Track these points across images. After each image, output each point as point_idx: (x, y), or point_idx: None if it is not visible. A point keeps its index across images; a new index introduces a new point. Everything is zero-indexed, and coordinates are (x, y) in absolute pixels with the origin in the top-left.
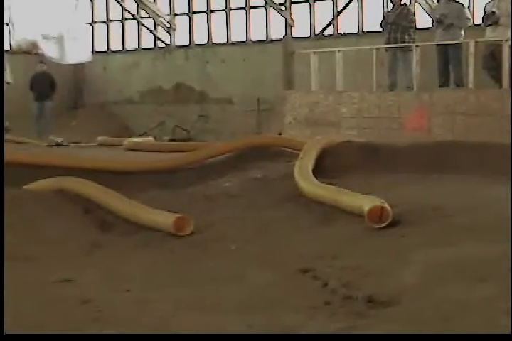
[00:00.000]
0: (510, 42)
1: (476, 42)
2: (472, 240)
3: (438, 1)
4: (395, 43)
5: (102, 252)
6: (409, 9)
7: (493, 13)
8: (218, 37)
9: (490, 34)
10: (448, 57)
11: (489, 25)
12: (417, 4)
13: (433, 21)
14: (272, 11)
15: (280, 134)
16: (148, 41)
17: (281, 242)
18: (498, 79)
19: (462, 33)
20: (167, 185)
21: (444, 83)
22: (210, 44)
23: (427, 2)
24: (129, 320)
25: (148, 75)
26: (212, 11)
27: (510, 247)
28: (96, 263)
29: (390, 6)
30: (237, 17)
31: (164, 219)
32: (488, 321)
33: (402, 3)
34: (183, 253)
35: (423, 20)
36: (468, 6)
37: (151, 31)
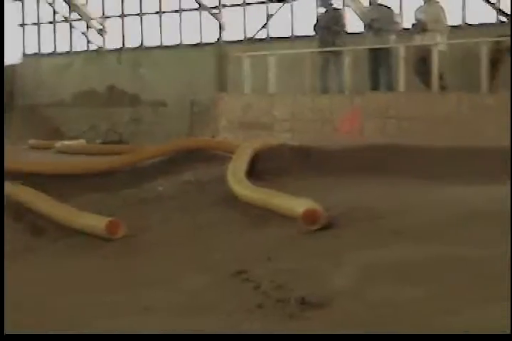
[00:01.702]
0: (438, 47)
1: (406, 46)
2: (403, 242)
3: (369, 5)
4: (327, 47)
5: (34, 257)
6: (340, 13)
7: (420, 20)
8: (151, 40)
9: (419, 39)
10: (378, 61)
11: (418, 32)
12: (348, 8)
13: (364, 25)
14: (204, 14)
15: (213, 137)
16: (80, 44)
17: (215, 245)
18: (428, 83)
19: (393, 37)
20: (101, 188)
21: (375, 87)
22: (142, 47)
23: (358, 6)
24: (63, 324)
25: (81, 78)
26: (144, 14)
27: (511, 248)
28: (29, 267)
29: (322, 10)
30: (170, 20)
31: (96, 222)
32: (418, 321)
33: (334, 7)
34: (116, 257)
35: (354, 24)
36: (400, 11)
37: (83, 33)
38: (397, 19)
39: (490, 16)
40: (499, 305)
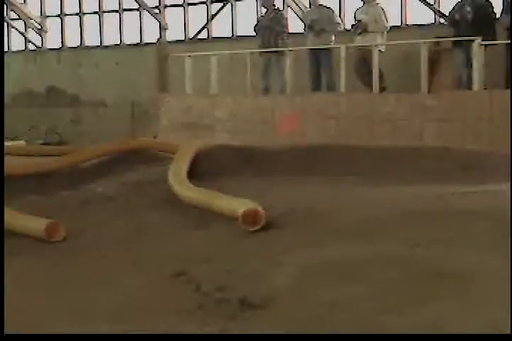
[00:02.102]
0: (379, 48)
1: (347, 47)
2: (342, 241)
3: (310, 6)
4: (269, 48)
5: None
6: (282, 14)
7: (360, 21)
8: (91, 40)
9: (360, 40)
10: (319, 62)
11: (360, 33)
12: (289, 9)
13: (305, 26)
14: (145, 14)
15: (155, 138)
16: (18, 43)
17: (156, 246)
18: (368, 83)
19: (333, 38)
20: (40, 189)
21: (316, 87)
22: (82, 47)
23: (299, 7)
24: None
25: (19, 78)
26: (84, 14)
27: (511, 249)
28: None
29: (264, 10)
30: (111, 20)
31: (35, 225)
32: (357, 320)
33: (275, 7)
34: (55, 259)
35: (295, 24)
36: (340, 12)
37: (21, 33)
38: (338, 20)
39: (429, 17)
40: (438, 303)
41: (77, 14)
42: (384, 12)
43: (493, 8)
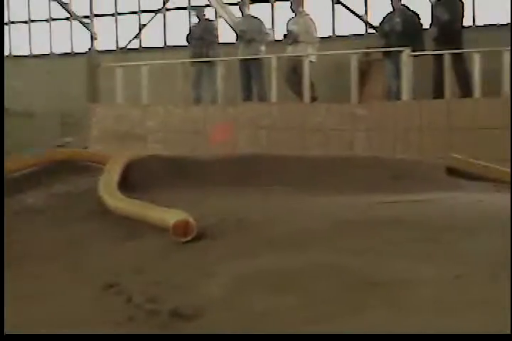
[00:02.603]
0: (310, 58)
1: (278, 57)
2: (274, 251)
3: (241, 17)
4: (200, 57)
5: None
6: (213, 24)
7: (291, 31)
8: (20, 49)
9: (291, 50)
10: (250, 72)
11: (291, 43)
12: (221, 19)
13: (236, 36)
14: (75, 23)
15: (85, 148)
16: None
17: (87, 258)
18: (300, 94)
19: (263, 48)
20: None
21: (247, 97)
22: (11, 56)
23: (230, 17)
24: None
25: None
26: (13, 23)
27: (511, 250)
28: None
29: (195, 20)
30: (40, 29)
31: None
32: (289, 329)
33: (207, 17)
34: None
35: (227, 35)
36: (271, 23)
37: None
38: (267, 30)
39: (359, 28)
40: (369, 312)
41: (5, 23)
42: (314, 23)
43: (420, 19)
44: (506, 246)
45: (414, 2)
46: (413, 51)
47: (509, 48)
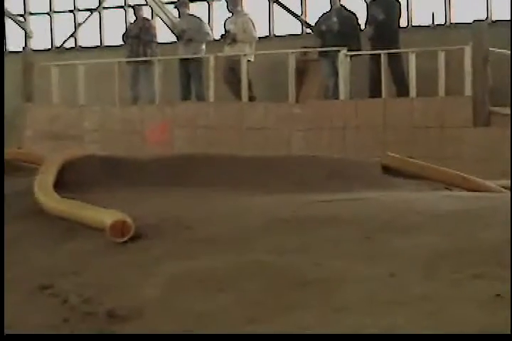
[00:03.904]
0: (248, 58)
1: (216, 56)
2: (211, 252)
3: (179, 16)
4: (137, 57)
5: None
6: (150, 23)
7: (229, 31)
8: None
9: (228, 50)
10: (189, 71)
11: (229, 43)
12: (158, 18)
13: (175, 36)
14: (9, 21)
15: (19, 148)
16: None
17: (20, 259)
18: (238, 93)
19: (203, 47)
20: None
21: (186, 97)
22: None
23: (168, 17)
24: None
25: None
26: None
27: (511, 249)
28: None
29: (132, 19)
30: None
31: None
32: (228, 329)
33: (144, 17)
34: None
35: (165, 34)
36: (209, 22)
37: None
38: (207, 29)
39: (296, 28)
40: (303, 310)
41: None
42: (252, 22)
43: (357, 19)
44: (439, 244)
45: (350, 2)
46: (349, 51)
47: (444, 48)
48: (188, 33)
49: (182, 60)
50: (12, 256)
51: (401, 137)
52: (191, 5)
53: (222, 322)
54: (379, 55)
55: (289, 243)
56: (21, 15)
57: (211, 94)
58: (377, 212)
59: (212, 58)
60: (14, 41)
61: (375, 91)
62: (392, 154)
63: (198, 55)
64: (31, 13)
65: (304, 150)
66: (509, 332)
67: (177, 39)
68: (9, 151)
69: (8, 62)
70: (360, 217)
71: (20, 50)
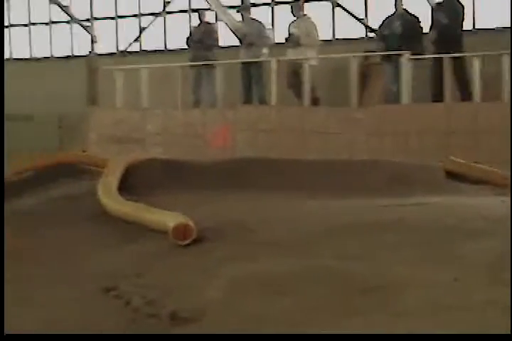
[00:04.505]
0: (311, 61)
1: (278, 60)
2: (273, 255)
3: (242, 20)
4: (200, 61)
5: None
6: (213, 27)
7: (292, 34)
8: (20, 52)
9: (292, 53)
10: (250, 75)
11: (292, 46)
12: (221, 22)
13: (237, 40)
14: (76, 26)
15: (84, 152)
16: None
17: (85, 261)
18: (300, 97)
19: (264, 51)
20: None
21: (247, 100)
22: (11, 59)
23: (230, 20)
24: None
25: None
26: (13, 26)
27: (511, 250)
28: None
29: (196, 23)
30: (40, 32)
31: None
32: (285, 331)
33: (207, 21)
34: None
35: (228, 38)
36: (272, 26)
37: None
38: (268, 33)
39: (358, 32)
40: (365, 315)
41: (6, 26)
42: (315, 26)
43: (420, 23)
44: (504, 249)
45: (414, 6)
46: (412, 55)
47: (508, 52)
48: (249, 37)
49: (244, 63)
50: (77, 258)
51: (465, 142)
52: (254, 9)
53: (281, 325)
54: (442, 59)
55: (351, 248)
56: (87, 20)
57: (273, 97)
58: (441, 217)
59: (274, 62)
60: (79, 45)
61: (437, 96)
62: (456, 159)
63: (260, 59)
64: (96, 18)
65: (365, 155)
66: None
67: (239, 43)
68: (74, 154)
69: (74, 66)
70: (423, 221)
71: (86, 54)
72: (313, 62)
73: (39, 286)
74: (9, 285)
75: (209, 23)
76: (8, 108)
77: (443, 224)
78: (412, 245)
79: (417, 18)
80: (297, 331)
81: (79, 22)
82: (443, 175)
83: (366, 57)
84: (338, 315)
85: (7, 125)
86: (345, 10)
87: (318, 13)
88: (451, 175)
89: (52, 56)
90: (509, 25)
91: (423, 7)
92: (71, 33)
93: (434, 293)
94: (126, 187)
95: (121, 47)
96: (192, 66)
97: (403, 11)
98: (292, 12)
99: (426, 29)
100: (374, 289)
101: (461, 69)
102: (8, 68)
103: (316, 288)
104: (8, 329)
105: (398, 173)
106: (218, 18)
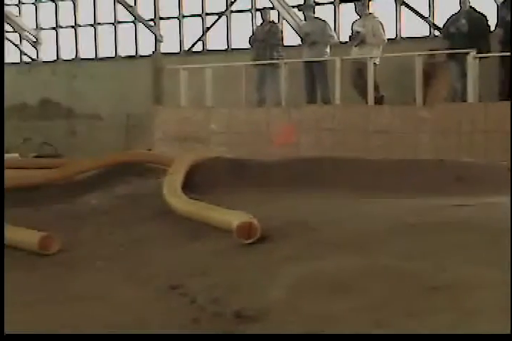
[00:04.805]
0: (374, 60)
1: (342, 59)
2: (337, 253)
3: (304, 19)
4: (264, 60)
5: None
6: (277, 27)
7: (358, 32)
8: (86, 52)
9: (356, 52)
10: (314, 74)
11: (357, 45)
12: (284, 22)
13: (300, 38)
14: (140, 26)
15: (150, 150)
16: (13, 56)
17: (150, 259)
18: (365, 95)
19: (327, 50)
20: (32, 202)
21: (311, 99)
22: (77, 59)
23: (294, 20)
24: None
25: (12, 91)
26: (79, 26)
27: (511, 250)
28: None
29: (259, 22)
30: (105, 32)
31: (29, 237)
32: (354, 331)
33: (271, 20)
34: (49, 271)
35: (291, 37)
36: (334, 24)
37: (16, 46)
38: (331, 32)
39: (423, 30)
40: (433, 315)
41: (72, 26)
42: (382, 25)
43: (487, 21)
44: None
45: (480, 3)
46: (479, 53)
47: None
48: (312, 36)
49: (307, 62)
50: (142, 256)
51: None
52: (318, 8)
53: (348, 324)
54: (509, 57)
55: (416, 247)
56: (152, 20)
57: (337, 96)
58: (508, 217)
59: (338, 61)
60: (145, 45)
61: (504, 94)
62: None
63: (322, 58)
64: (161, 18)
65: (430, 154)
66: None
67: (302, 42)
68: (139, 153)
69: (139, 66)
70: (490, 221)
71: (150, 53)
72: (377, 61)
73: (104, 284)
74: (76, 283)
75: (273, 22)
76: (77, 107)
77: (509, 224)
78: (479, 245)
79: (484, 16)
80: (363, 331)
81: (144, 22)
82: (508, 175)
83: (431, 56)
84: (405, 314)
85: (77, 123)
86: (410, 8)
87: (382, 11)
88: None
89: (117, 56)
90: None
91: (490, 4)
92: (136, 33)
93: (501, 293)
94: (191, 185)
95: (186, 47)
96: (256, 65)
97: (469, 8)
98: (356, 10)
99: (493, 27)
100: (439, 288)
101: None
102: (75, 68)
103: (381, 287)
104: (73, 326)
105: (463, 173)
106: (281, 16)
